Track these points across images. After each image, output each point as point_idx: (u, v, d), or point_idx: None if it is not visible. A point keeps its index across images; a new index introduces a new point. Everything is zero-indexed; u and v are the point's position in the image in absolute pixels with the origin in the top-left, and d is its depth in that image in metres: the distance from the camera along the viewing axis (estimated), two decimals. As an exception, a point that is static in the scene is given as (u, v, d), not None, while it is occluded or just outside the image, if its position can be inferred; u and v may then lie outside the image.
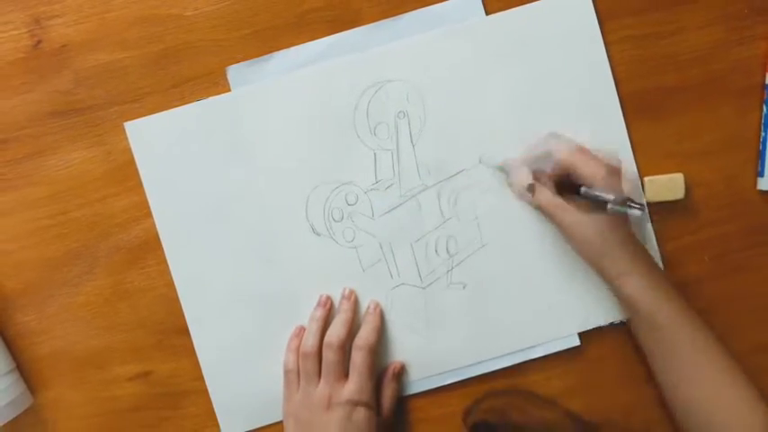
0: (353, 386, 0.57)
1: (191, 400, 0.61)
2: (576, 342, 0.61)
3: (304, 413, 0.57)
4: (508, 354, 0.61)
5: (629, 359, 0.61)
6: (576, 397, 0.62)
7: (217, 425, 0.61)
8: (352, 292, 0.61)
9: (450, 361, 0.61)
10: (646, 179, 0.61)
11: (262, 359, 0.61)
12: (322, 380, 0.58)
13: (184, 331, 0.61)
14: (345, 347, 0.58)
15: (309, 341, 0.59)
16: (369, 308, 0.61)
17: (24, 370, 0.61)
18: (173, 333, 0.61)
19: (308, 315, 0.61)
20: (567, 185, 0.56)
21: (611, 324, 0.61)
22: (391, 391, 0.60)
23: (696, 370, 0.54)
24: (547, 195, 0.56)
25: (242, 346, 0.61)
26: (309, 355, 0.58)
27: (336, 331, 0.58)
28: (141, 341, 0.61)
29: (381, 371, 0.61)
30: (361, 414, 0.57)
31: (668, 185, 0.61)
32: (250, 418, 0.61)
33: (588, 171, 0.54)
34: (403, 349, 0.61)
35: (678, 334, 0.54)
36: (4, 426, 0.58)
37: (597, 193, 0.53)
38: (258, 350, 0.61)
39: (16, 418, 0.58)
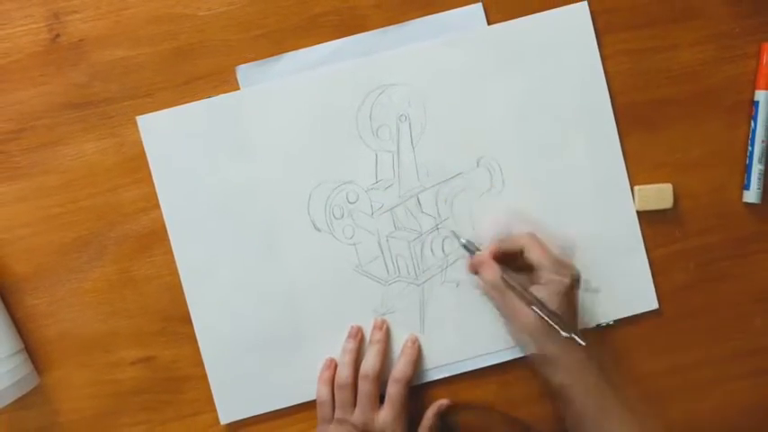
0: (388, 417, 0.58)
1: (191, 386, 0.62)
2: (564, 342, 0.63)
3: None
4: (498, 351, 0.62)
5: (617, 360, 0.63)
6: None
7: (215, 410, 0.62)
8: (383, 321, 0.62)
9: (441, 357, 0.62)
10: (636, 188, 0.62)
11: (260, 348, 0.62)
12: (357, 409, 0.59)
13: (187, 319, 0.62)
14: (380, 378, 0.60)
15: (344, 372, 0.60)
16: (407, 342, 0.62)
17: (32, 351, 0.62)
18: (176, 321, 0.62)
19: (307, 311, 0.62)
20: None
21: (599, 326, 0.63)
22: (431, 424, 0.61)
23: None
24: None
25: (241, 335, 0.62)
26: (345, 386, 0.59)
27: (372, 363, 0.60)
28: (145, 327, 0.62)
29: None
30: None
31: (657, 195, 0.62)
32: (247, 404, 0.62)
33: (535, 257, 0.57)
34: (397, 344, 0.62)
35: (588, 407, 0.55)
36: (10, 404, 0.59)
37: (548, 319, 0.55)
38: (257, 340, 0.62)
39: (23, 397, 0.60)
